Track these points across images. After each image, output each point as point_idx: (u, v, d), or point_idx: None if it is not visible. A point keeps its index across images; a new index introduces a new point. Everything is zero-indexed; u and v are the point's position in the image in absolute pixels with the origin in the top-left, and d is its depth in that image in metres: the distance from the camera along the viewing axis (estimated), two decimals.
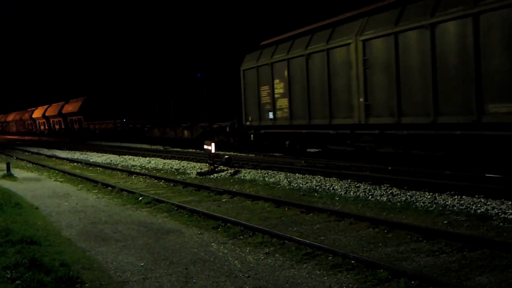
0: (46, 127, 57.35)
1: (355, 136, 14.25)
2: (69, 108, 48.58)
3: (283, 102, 17.19)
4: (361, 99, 13.62)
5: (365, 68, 13.45)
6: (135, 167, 17.66)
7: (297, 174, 13.02)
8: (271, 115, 17.81)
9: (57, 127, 53.70)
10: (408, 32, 12.10)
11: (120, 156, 22.35)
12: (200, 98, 39.58)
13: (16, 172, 16.76)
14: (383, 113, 13.00)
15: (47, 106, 57.57)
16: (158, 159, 19.96)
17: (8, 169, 16.11)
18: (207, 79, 39.93)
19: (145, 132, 31.92)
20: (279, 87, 17.35)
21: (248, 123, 19.46)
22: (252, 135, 19.34)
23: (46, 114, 55.76)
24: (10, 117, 74.04)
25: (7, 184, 13.90)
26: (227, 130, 21.71)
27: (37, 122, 60.84)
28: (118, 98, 45.00)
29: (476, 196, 8.81)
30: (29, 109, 65.20)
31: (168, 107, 39.86)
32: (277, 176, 12.96)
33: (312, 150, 17.78)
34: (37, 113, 59.66)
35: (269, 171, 13.90)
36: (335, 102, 14.70)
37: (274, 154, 18.34)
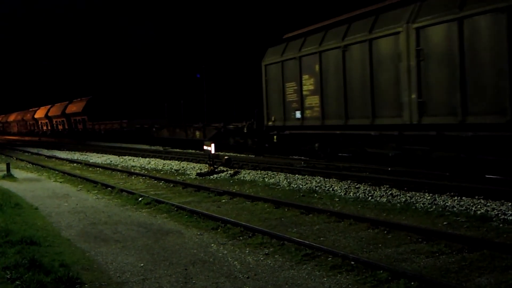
0: (49, 128, 55.68)
1: (403, 138, 12.42)
2: (73, 108, 47.17)
3: (313, 100, 15.54)
4: (413, 96, 11.92)
5: (419, 60, 11.72)
6: (135, 168, 17.66)
7: (296, 175, 13.03)
8: (298, 114, 16.12)
9: (60, 127, 52.04)
10: (477, 17, 10.44)
11: (120, 157, 22.35)
12: (211, 98, 38.25)
13: (16, 172, 16.76)
14: (442, 111, 11.31)
15: (50, 106, 55.96)
16: (158, 159, 19.96)
17: (8, 169, 16.11)
18: (213, 79, 39.26)
19: (153, 133, 30.48)
20: (309, 83, 15.66)
21: (270, 123, 17.74)
22: (275, 137, 17.56)
23: (49, 114, 54.21)
24: (12, 117, 72.48)
25: (7, 184, 13.90)
26: (245, 131, 19.92)
27: (39, 123, 59.18)
28: (124, 97, 43.75)
29: (476, 197, 8.81)
30: (31, 109, 63.50)
31: (177, 107, 37.92)
32: (277, 177, 12.96)
33: (344, 154, 15.61)
34: (40, 113, 58.05)
35: (269, 172, 13.90)
36: (378, 99, 13.01)
37: (301, 158, 16.64)
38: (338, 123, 14.56)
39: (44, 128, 57.58)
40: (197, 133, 24.91)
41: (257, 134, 19.27)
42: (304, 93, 15.93)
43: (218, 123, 23.33)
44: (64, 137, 49.01)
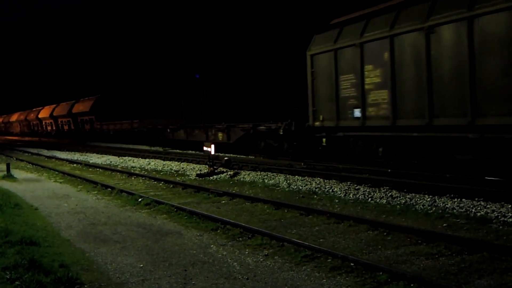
0: (54, 128, 53.35)
1: None
2: (80, 107, 44.80)
3: (379, 96, 12.99)
4: None
5: None
6: (134, 169, 17.66)
7: (296, 176, 13.02)
8: (357, 112, 13.60)
9: (66, 127, 49.74)
10: None
11: (120, 157, 22.35)
12: (235, 97, 35.15)
13: (16, 173, 16.76)
14: None
15: (55, 105, 53.52)
16: (157, 160, 19.96)
17: (8, 170, 16.11)
18: (236, 76, 35.57)
19: (168, 134, 28.02)
20: (373, 75, 13.14)
21: (317, 123, 15.22)
22: (324, 139, 15.01)
23: (54, 114, 51.93)
24: (14, 117, 70.03)
25: (7, 185, 13.90)
26: (280, 133, 17.38)
27: (43, 123, 57.02)
28: (135, 96, 41.14)
29: (476, 199, 8.81)
30: (34, 109, 61.34)
31: (195, 106, 34.48)
32: (277, 178, 12.96)
33: (414, 161, 12.90)
34: (44, 113, 55.82)
35: (269, 173, 13.90)
36: (482, 93, 10.53)
37: (357, 168, 13.47)
38: (417, 124, 11.99)
39: (49, 128, 55.42)
40: (220, 134, 22.42)
41: (296, 137, 16.87)
42: (367, 87, 13.36)
43: (245, 124, 20.72)
44: (70, 138, 47.02)
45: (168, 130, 27.98)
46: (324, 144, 15.13)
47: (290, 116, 17.14)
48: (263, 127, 18.99)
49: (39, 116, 57.52)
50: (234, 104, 35.37)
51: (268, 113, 24.20)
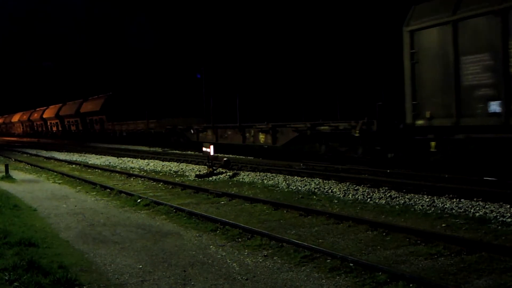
0: (60, 128, 50.07)
1: None
2: (89, 106, 41.70)
3: None
4: None
5: None
6: (133, 169, 17.65)
7: (295, 177, 13.03)
8: (494, 106, 10.25)
9: (73, 128, 46.25)
10: None
11: (119, 158, 22.34)
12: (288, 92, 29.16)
13: (14, 174, 16.74)
14: None
15: (61, 104, 50.16)
16: (156, 161, 19.95)
17: (7, 171, 16.09)
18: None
19: (191, 136, 24.60)
20: None
21: (420, 122, 11.81)
22: (432, 143, 11.58)
23: (60, 113, 48.65)
24: (15, 118, 66.62)
25: (5, 186, 13.88)
26: (356, 134, 13.83)
27: (48, 123, 53.72)
28: (150, 93, 37.26)
29: (475, 199, 8.82)
30: (38, 109, 57.98)
31: (224, 104, 28.82)
32: (276, 178, 12.96)
33: None
34: (49, 113, 52.40)
35: (268, 174, 13.90)
36: None
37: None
38: None
39: (54, 129, 52.08)
40: (261, 136, 18.37)
41: (379, 140, 13.51)
42: None
43: (299, 123, 17.09)
44: (78, 139, 43.76)
45: (192, 131, 24.41)
46: (433, 149, 11.60)
47: (369, 114, 13.73)
48: (326, 126, 15.27)
49: (44, 116, 54.42)
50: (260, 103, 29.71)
51: (295, 113, 20.97)
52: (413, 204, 8.93)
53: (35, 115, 58.13)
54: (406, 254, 6.02)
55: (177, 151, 24.90)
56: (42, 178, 15.93)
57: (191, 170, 16.02)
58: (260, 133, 18.60)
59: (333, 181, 11.86)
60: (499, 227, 7.09)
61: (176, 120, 28.68)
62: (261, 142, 18.12)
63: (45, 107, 56.07)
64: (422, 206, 8.72)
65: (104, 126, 39.02)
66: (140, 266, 5.93)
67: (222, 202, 10.21)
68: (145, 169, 17.63)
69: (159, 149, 27.04)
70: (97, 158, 23.23)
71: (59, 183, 14.45)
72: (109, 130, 37.86)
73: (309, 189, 11.20)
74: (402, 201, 9.20)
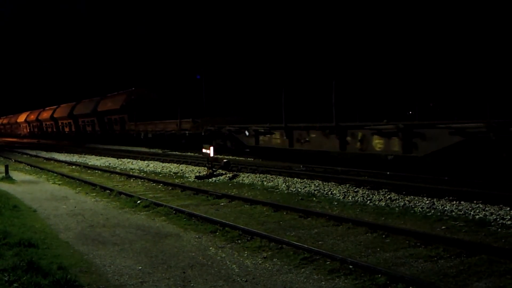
0: (73, 129, 44.73)
1: None
2: (108, 104, 36.54)
3: None
4: None
5: None
6: (133, 171, 17.64)
7: (295, 179, 13.02)
8: None
9: (89, 129, 40.75)
10: None
11: (119, 159, 22.33)
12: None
13: (14, 174, 16.73)
14: None
15: (74, 103, 44.54)
16: (156, 162, 19.94)
17: (7, 171, 16.08)
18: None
19: (247, 139, 19.59)
20: None
21: None
22: None
23: (74, 112, 43.25)
24: (22, 118, 60.74)
25: (5, 186, 13.87)
26: None
27: (60, 123, 48.39)
28: (182, 88, 32.78)
29: (475, 201, 8.82)
30: (48, 108, 52.10)
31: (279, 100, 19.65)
32: (276, 180, 12.96)
33: None
34: (61, 112, 47.15)
35: (268, 175, 13.89)
36: None
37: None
38: None
39: (66, 129, 46.68)
40: (378, 142, 13.34)
41: None
42: None
43: (464, 122, 11.75)
44: (95, 141, 38.41)
45: (247, 133, 19.25)
46: None
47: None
48: None
49: (55, 115, 48.64)
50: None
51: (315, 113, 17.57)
52: (413, 206, 8.92)
53: (45, 114, 51.96)
54: (406, 256, 6.02)
55: (177, 152, 24.88)
56: (42, 179, 15.92)
57: (191, 172, 16.01)
58: (374, 137, 13.36)
59: (333, 183, 11.85)
60: (499, 230, 7.08)
61: (220, 119, 24.34)
62: (377, 149, 13.22)
63: (56, 106, 50.18)
64: (422, 208, 8.71)
65: (125, 126, 34.09)
66: (140, 267, 5.93)
67: (222, 204, 10.20)
68: (145, 170, 17.63)
69: (159, 150, 27.00)
70: (97, 159, 23.22)
71: (59, 184, 14.44)
72: (131, 131, 32.84)
73: (308, 191, 11.20)
74: (402, 203, 9.19)
